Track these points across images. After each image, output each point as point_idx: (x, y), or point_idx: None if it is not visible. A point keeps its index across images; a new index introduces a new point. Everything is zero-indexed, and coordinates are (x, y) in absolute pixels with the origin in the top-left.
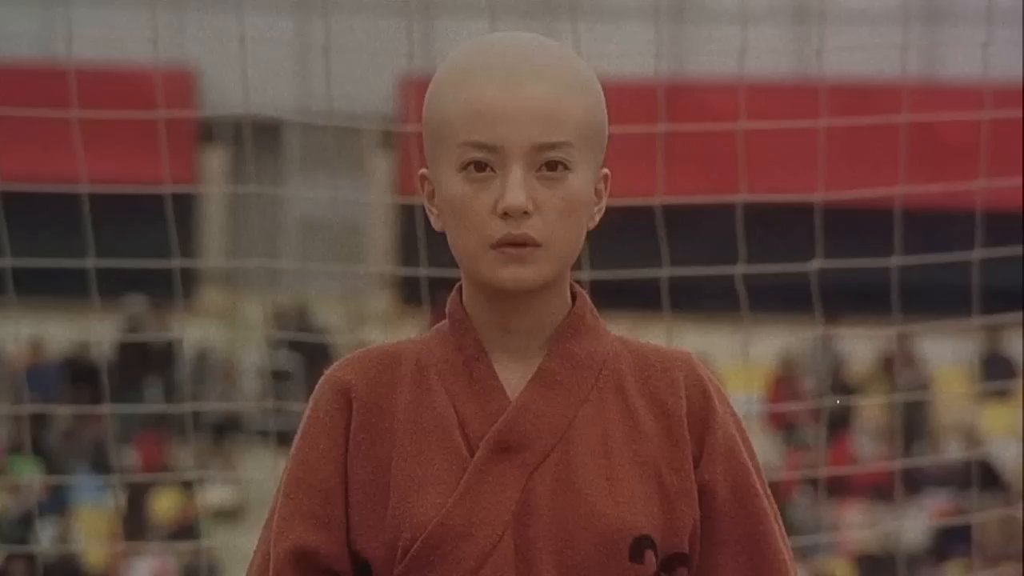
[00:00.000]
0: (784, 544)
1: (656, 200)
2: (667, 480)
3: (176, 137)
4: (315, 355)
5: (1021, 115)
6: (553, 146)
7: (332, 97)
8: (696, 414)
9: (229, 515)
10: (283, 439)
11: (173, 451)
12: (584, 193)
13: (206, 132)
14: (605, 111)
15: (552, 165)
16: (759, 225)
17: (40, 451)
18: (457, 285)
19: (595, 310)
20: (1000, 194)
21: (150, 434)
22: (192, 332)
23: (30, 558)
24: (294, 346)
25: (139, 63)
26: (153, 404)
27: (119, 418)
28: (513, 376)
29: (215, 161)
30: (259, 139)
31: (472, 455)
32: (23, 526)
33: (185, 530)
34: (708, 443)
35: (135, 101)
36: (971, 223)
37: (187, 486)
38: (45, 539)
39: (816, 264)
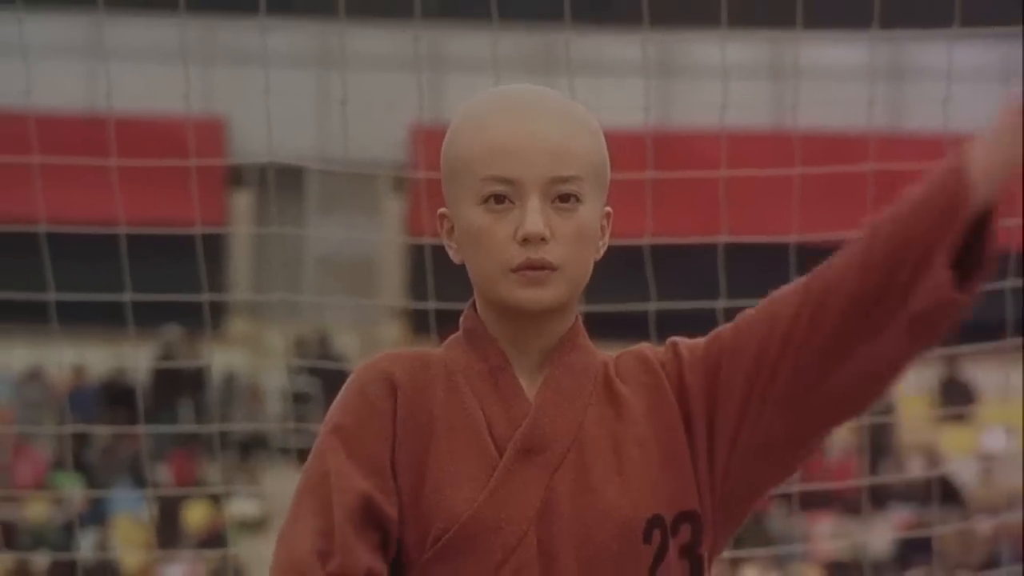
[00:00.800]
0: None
1: (645, 240)
2: (666, 449)
3: (206, 182)
4: (332, 380)
5: None
6: (566, 179)
7: (348, 145)
8: (674, 369)
9: (254, 525)
10: (303, 456)
11: (203, 467)
12: (593, 223)
13: (234, 177)
14: (607, 153)
15: (565, 197)
16: (739, 263)
17: (81, 467)
18: (470, 303)
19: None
20: None
21: (182, 451)
22: (220, 358)
23: (72, 564)
24: (313, 371)
25: (173, 114)
26: (185, 424)
27: (153, 437)
28: (530, 386)
29: (242, 203)
30: (282, 183)
31: (500, 455)
32: (66, 534)
33: (213, 539)
34: (690, 367)
35: (169, 149)
36: None
37: (215, 499)
38: (86, 546)
39: None
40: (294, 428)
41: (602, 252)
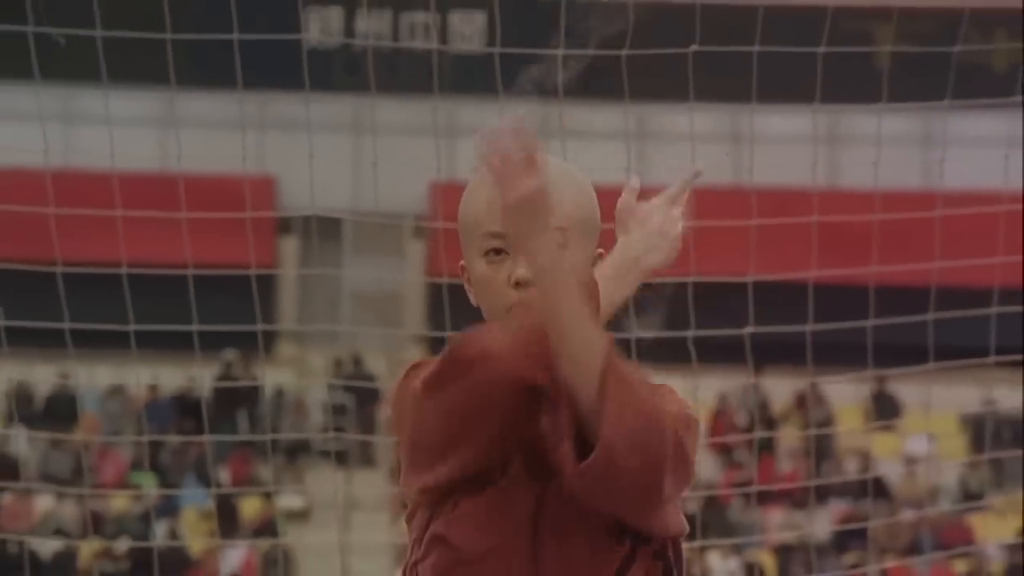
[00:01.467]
0: None
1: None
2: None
3: (259, 231)
4: (365, 395)
5: (905, 216)
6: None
7: (378, 199)
8: None
9: (299, 516)
10: (340, 458)
11: (256, 467)
12: (578, 265)
13: (282, 226)
14: (596, 206)
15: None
16: (706, 299)
17: (155, 467)
18: None
19: None
20: (889, 274)
21: (239, 454)
22: (271, 377)
23: (148, 549)
24: (348, 388)
25: (232, 174)
26: (241, 432)
27: (215, 443)
28: None
29: (289, 248)
30: (322, 231)
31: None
32: (143, 524)
33: (265, 528)
34: None
35: (228, 203)
36: (866, 296)
37: (267, 495)
38: (159, 534)
39: (748, 329)
40: (333, 435)
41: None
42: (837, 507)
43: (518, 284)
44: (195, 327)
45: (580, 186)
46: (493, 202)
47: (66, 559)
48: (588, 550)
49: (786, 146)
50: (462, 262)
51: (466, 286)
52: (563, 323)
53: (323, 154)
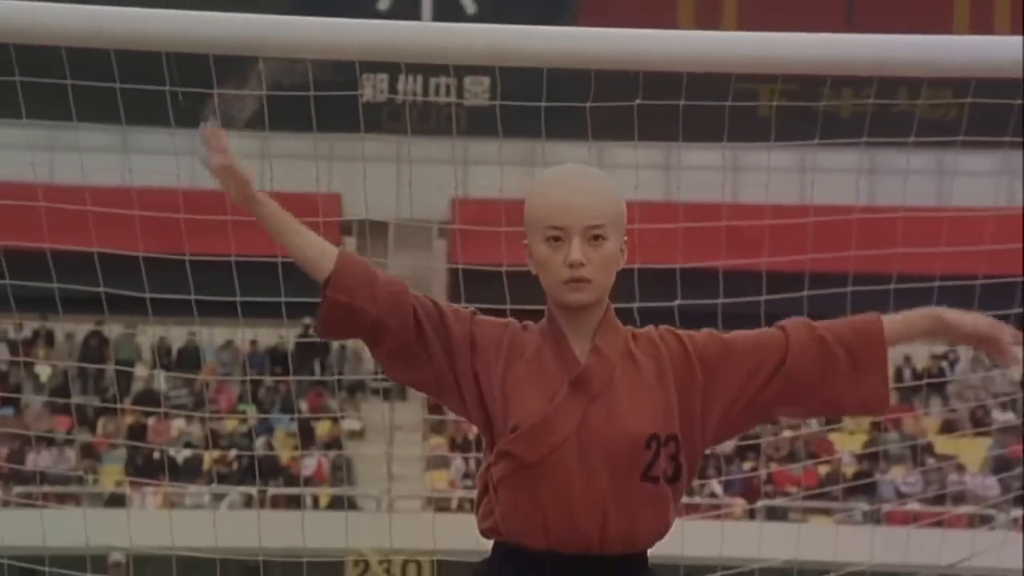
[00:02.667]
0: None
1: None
2: (660, 395)
3: (328, 232)
4: None
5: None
6: (596, 227)
7: (413, 209)
8: (674, 349)
9: (357, 435)
10: (386, 394)
11: (326, 400)
12: (614, 252)
13: (345, 229)
14: (624, 208)
15: (596, 237)
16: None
17: (256, 399)
18: (548, 307)
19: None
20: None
21: (315, 391)
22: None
23: (251, 457)
24: None
25: (309, 191)
26: (316, 375)
27: (297, 382)
28: (578, 349)
29: (350, 244)
30: (373, 232)
31: (557, 389)
32: (247, 439)
33: (333, 443)
34: (691, 351)
35: (307, 212)
36: (760, 280)
37: (334, 420)
38: (259, 447)
39: (676, 302)
40: (380, 377)
41: (622, 265)
42: None
43: (571, 265)
44: (283, 299)
45: (610, 190)
46: (553, 204)
47: (194, 463)
48: (621, 453)
49: (702, 172)
50: (525, 242)
51: (529, 261)
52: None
53: (373, 177)
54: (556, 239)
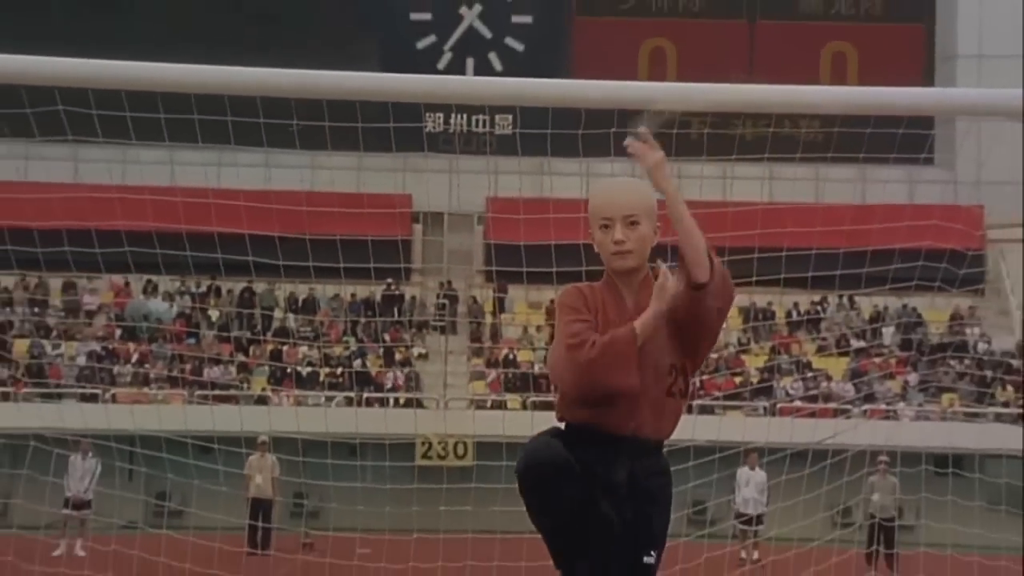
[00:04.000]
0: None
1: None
2: (675, 331)
3: (403, 220)
4: (452, 298)
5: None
6: (632, 215)
7: (460, 203)
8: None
9: (423, 358)
10: (442, 329)
11: (402, 334)
12: (647, 233)
13: (415, 218)
14: (653, 199)
15: (633, 223)
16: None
17: (354, 333)
18: (605, 271)
19: (652, 275)
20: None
21: (394, 328)
22: (409, 290)
23: (352, 372)
24: (443, 296)
25: (392, 193)
26: (395, 317)
27: (382, 322)
28: (629, 301)
29: (417, 229)
30: (433, 220)
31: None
32: (349, 360)
33: (406, 363)
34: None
35: (392, 206)
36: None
37: (406, 347)
38: (357, 365)
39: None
40: (439, 316)
41: (655, 242)
42: None
43: (616, 243)
44: (372, 265)
45: (641, 188)
46: (604, 200)
47: (313, 376)
48: (654, 378)
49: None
50: (589, 229)
51: (592, 243)
52: (684, 219)
53: (434, 183)
54: (606, 226)
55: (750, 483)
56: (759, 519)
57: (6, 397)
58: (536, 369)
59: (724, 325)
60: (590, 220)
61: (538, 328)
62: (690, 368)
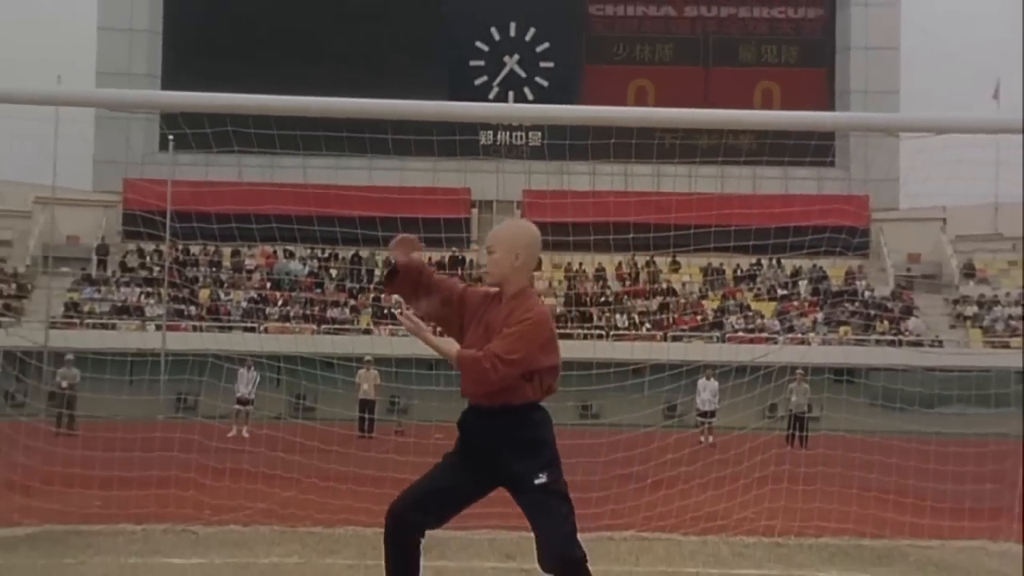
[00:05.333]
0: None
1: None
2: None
3: (463, 206)
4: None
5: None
6: (490, 246)
7: (506, 193)
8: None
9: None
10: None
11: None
12: (501, 258)
13: (473, 204)
14: (518, 235)
15: (490, 251)
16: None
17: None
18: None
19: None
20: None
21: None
22: (468, 255)
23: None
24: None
25: (457, 187)
26: (458, 273)
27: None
28: (504, 306)
29: (475, 213)
30: (485, 207)
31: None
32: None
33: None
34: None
35: (456, 195)
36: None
37: None
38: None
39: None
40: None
41: (515, 267)
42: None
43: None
44: (443, 235)
45: (506, 226)
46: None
47: None
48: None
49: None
50: (518, 253)
51: (515, 263)
52: (440, 350)
53: (485, 178)
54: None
55: (706, 389)
56: (712, 414)
57: (196, 328)
58: (556, 311)
59: (650, 303)
60: (530, 249)
61: (559, 282)
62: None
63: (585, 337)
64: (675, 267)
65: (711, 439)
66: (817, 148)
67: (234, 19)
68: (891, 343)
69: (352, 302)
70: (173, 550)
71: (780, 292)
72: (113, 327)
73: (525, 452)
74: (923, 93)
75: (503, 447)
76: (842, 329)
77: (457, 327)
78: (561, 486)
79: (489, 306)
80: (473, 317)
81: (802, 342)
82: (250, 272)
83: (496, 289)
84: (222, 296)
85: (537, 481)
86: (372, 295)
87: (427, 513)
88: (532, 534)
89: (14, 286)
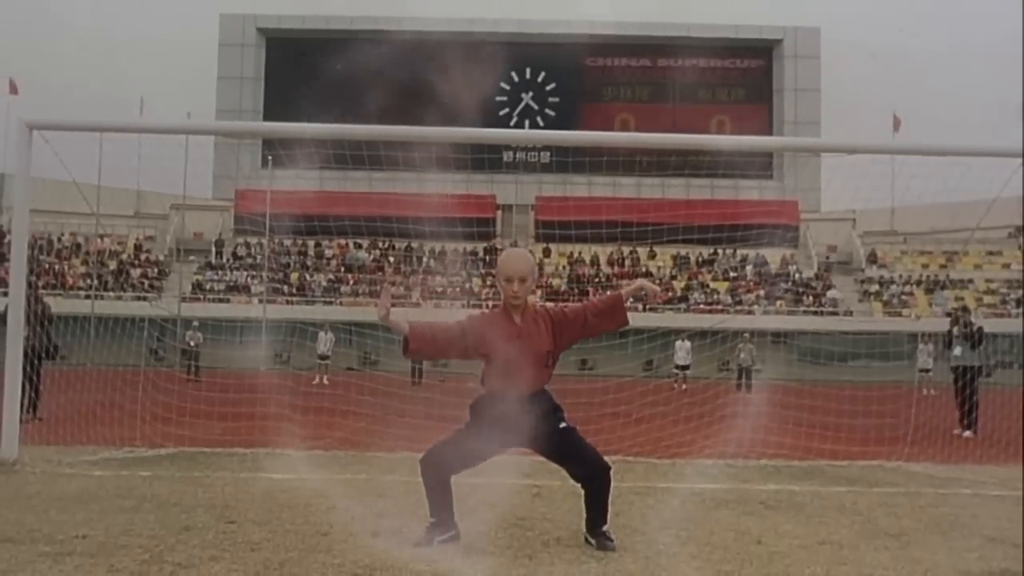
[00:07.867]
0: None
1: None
2: (546, 335)
3: (489, 207)
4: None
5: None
6: (523, 276)
7: (522, 199)
8: (548, 314)
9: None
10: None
11: (491, 270)
12: (530, 284)
13: (497, 206)
14: (534, 266)
15: (522, 279)
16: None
17: (464, 269)
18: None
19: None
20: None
21: (486, 269)
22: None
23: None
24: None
25: (486, 193)
26: (485, 261)
27: (481, 264)
28: (516, 320)
29: (499, 215)
30: (507, 211)
31: (513, 338)
32: (462, 284)
33: (492, 284)
34: (554, 315)
35: (482, 199)
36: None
37: (492, 274)
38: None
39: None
40: None
41: (534, 285)
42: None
43: (514, 294)
44: (476, 229)
45: (526, 258)
46: (508, 265)
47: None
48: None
49: (630, 187)
50: (498, 279)
51: (499, 285)
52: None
53: (507, 187)
54: (509, 280)
55: (682, 348)
56: (687, 367)
57: (288, 302)
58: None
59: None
60: (498, 274)
61: (563, 267)
62: (558, 351)
63: None
64: (652, 255)
65: (684, 387)
66: (759, 164)
67: (317, 69)
68: (815, 313)
69: (405, 281)
70: (273, 468)
71: (732, 274)
72: (227, 301)
73: (550, 416)
74: (838, 123)
75: (538, 422)
76: (778, 302)
77: (464, 352)
78: (574, 425)
79: (500, 322)
80: (484, 337)
81: (749, 312)
82: (328, 259)
83: (494, 307)
84: (308, 278)
85: (561, 426)
86: (421, 277)
87: (452, 468)
88: (549, 462)
89: (156, 270)
